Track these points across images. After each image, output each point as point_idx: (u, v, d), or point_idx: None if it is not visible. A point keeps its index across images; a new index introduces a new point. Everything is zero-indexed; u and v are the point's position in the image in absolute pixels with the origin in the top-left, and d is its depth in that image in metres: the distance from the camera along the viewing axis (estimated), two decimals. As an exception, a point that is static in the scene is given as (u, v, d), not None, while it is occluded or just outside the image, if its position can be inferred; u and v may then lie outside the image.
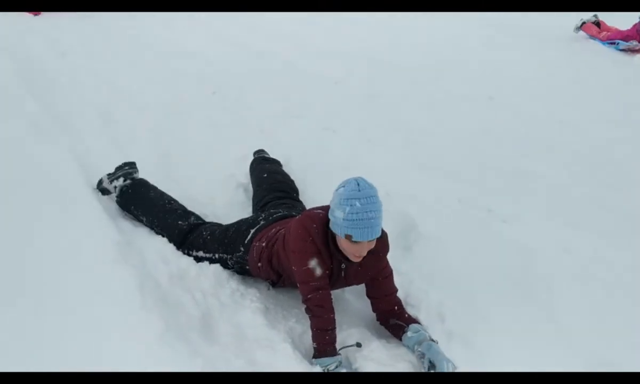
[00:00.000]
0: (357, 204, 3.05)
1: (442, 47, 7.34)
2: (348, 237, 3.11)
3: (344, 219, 3.07)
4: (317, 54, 6.49)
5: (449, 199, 4.45)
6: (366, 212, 3.07)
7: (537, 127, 5.60)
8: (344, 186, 3.13)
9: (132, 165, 4.08)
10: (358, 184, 3.10)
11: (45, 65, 5.22)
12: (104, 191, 4.03)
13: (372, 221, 3.08)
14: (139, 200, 3.96)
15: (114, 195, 3.98)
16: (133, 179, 4.03)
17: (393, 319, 3.36)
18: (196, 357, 2.78)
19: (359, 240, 3.09)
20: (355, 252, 3.17)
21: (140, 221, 3.95)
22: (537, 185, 4.78)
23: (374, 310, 3.42)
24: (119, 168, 4.06)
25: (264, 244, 3.48)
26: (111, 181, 3.99)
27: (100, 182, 4.05)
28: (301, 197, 4.19)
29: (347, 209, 3.05)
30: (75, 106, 4.77)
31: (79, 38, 5.27)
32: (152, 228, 3.88)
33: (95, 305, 2.92)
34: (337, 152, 4.92)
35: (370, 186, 3.10)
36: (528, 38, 7.99)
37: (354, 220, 3.06)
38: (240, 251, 3.57)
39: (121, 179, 3.97)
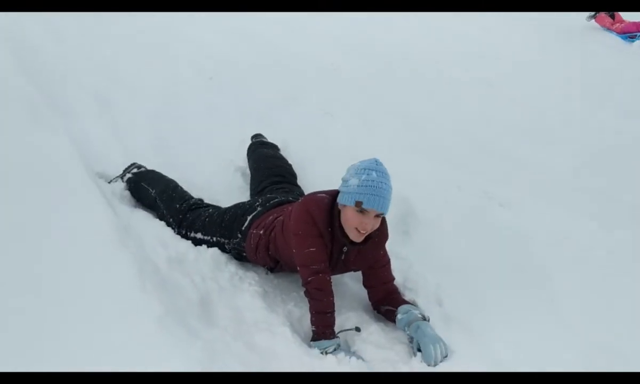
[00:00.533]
0: (374, 174, 3.18)
1: (441, 34, 7.27)
2: (358, 204, 3.16)
3: (358, 186, 3.17)
4: (314, 39, 6.46)
5: (448, 184, 4.47)
6: (381, 182, 3.17)
7: (537, 114, 5.65)
8: (361, 161, 3.26)
9: (137, 163, 4.08)
10: (376, 161, 3.24)
11: (44, 51, 5.19)
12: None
13: (384, 191, 3.17)
14: (151, 177, 3.98)
15: (123, 182, 4.00)
16: (146, 168, 4.07)
17: (384, 306, 3.43)
18: (196, 340, 2.77)
19: (368, 207, 3.14)
20: (360, 224, 3.20)
21: (149, 194, 3.94)
22: (536, 172, 4.80)
23: (370, 299, 3.47)
24: (127, 168, 4.07)
25: (261, 231, 3.51)
26: (122, 178, 4.02)
27: (109, 182, 4.04)
28: (299, 182, 4.20)
29: (364, 176, 3.17)
30: (72, 92, 4.73)
31: (77, 24, 5.29)
32: (157, 202, 3.88)
33: (94, 289, 2.88)
34: (336, 137, 4.92)
35: (386, 168, 3.23)
36: (532, 27, 7.91)
37: (367, 186, 3.15)
38: (238, 237, 3.60)
39: (135, 169, 4.01)
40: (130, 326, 2.72)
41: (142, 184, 3.98)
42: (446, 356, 3.08)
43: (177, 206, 3.79)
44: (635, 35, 7.68)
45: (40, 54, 5.15)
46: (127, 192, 3.98)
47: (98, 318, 2.74)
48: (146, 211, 3.93)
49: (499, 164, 4.86)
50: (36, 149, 3.76)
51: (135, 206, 3.93)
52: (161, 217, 3.80)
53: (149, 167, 4.15)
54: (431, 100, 5.68)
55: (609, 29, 8.06)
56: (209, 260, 3.48)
